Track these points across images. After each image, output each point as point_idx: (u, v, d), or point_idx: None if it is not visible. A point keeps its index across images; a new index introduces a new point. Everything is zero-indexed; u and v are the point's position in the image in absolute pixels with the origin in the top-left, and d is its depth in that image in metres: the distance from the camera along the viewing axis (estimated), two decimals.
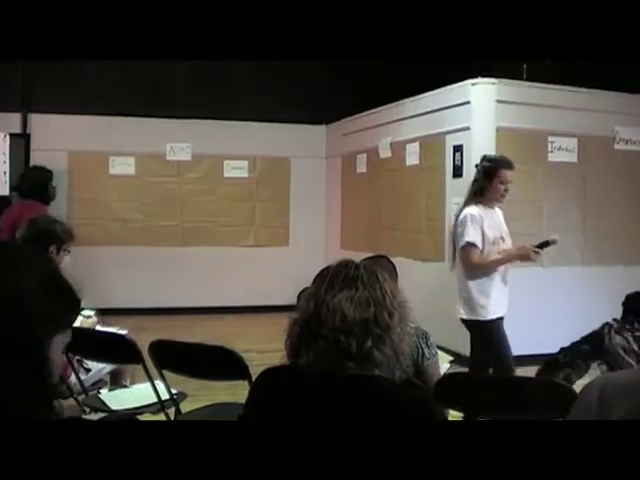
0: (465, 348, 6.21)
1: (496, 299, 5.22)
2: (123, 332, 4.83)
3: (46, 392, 1.49)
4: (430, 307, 8.17)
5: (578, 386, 3.11)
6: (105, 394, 4.43)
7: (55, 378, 1.55)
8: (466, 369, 5.40)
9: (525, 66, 8.42)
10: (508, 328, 5.30)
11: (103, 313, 5.12)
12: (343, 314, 1.96)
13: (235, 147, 11.35)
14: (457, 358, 5.81)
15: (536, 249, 5.15)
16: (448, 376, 3.33)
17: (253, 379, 2.27)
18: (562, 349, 6.43)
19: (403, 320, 2.05)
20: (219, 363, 3.77)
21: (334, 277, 2.04)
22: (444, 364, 4.02)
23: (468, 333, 5.48)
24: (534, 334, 7.10)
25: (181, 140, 11.22)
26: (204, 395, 4.91)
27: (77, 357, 4.52)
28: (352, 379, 1.95)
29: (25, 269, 1.50)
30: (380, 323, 1.97)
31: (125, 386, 4.78)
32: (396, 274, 3.79)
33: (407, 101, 9.16)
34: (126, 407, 4.17)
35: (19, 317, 1.43)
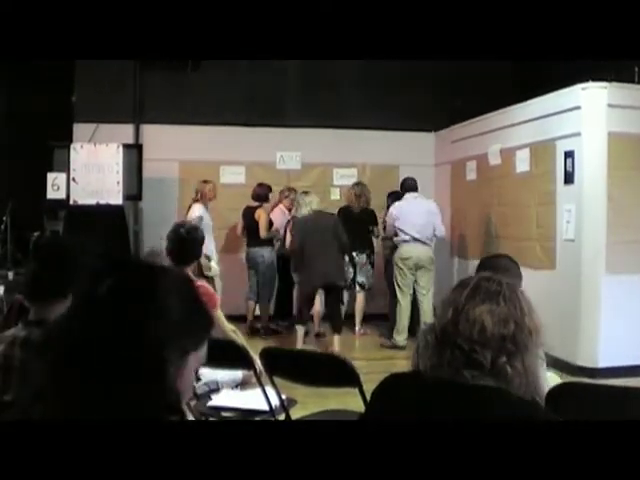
0: (574, 357, 6.11)
1: None
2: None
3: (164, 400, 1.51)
4: (541, 316, 8.07)
5: None
6: (217, 396, 4.55)
7: (186, 393, 1.63)
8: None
9: (637, 69, 8.21)
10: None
11: None
12: (483, 326, 1.96)
13: (344, 155, 11.42)
14: (566, 367, 5.72)
15: None
16: (559, 387, 3.28)
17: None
18: None
19: (538, 342, 2.05)
20: (330, 370, 3.82)
21: (476, 288, 2.04)
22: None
23: (578, 343, 5.37)
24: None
25: (291, 149, 11.37)
26: (313, 402, 4.96)
27: None
28: (481, 389, 1.95)
29: (169, 291, 1.57)
30: (517, 341, 1.97)
31: None
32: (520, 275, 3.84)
33: (516, 107, 9.05)
34: (235, 406, 4.30)
35: (155, 333, 1.49)
